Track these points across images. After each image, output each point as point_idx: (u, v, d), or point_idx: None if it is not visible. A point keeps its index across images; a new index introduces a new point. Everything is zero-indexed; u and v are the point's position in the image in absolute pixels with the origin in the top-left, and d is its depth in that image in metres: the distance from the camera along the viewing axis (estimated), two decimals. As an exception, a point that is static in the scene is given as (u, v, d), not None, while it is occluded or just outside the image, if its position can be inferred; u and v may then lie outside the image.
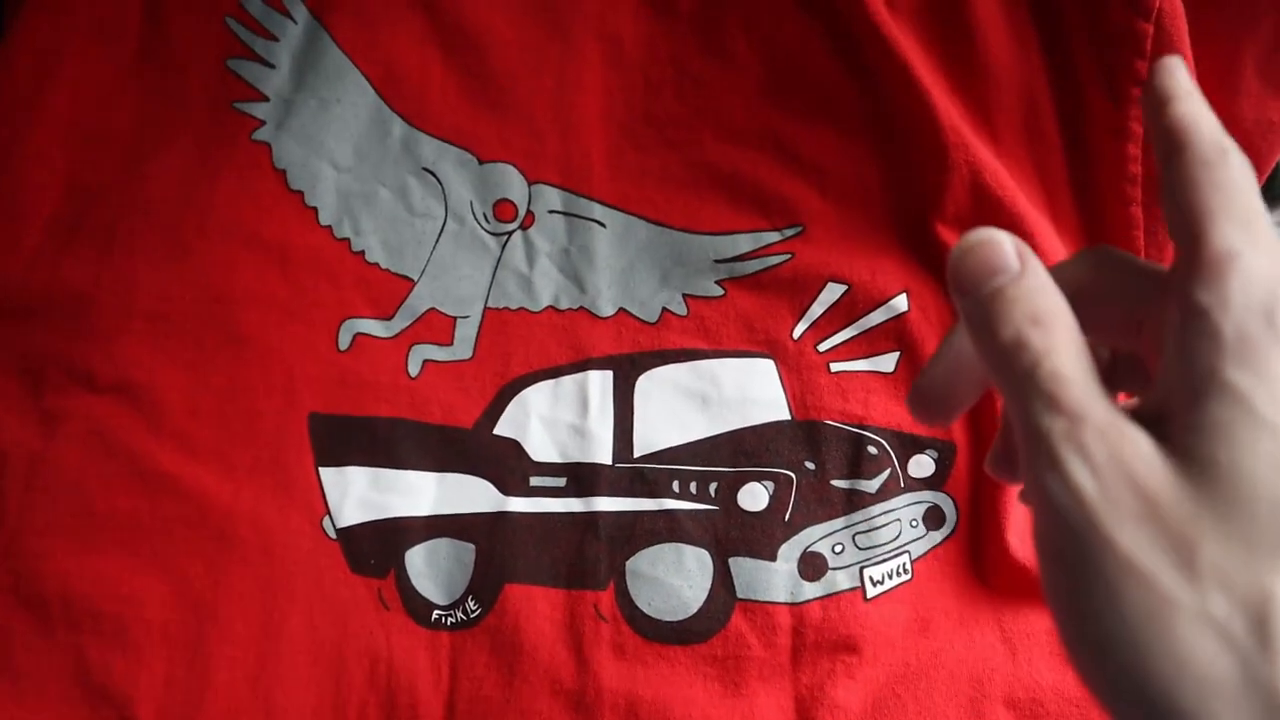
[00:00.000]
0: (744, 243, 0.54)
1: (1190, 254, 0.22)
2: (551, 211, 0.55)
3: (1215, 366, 0.21)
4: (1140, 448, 0.21)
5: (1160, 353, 0.23)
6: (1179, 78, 0.24)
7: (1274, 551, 0.20)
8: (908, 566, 0.50)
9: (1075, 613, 0.21)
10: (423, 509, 0.51)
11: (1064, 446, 0.21)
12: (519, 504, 0.51)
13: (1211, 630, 0.20)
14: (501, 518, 0.51)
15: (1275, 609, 0.20)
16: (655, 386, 0.53)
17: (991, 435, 0.51)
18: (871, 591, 0.49)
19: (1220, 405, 0.21)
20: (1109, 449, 0.21)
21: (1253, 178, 0.23)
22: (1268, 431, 0.20)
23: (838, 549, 0.50)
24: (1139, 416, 0.22)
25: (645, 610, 0.49)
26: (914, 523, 0.51)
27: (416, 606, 0.50)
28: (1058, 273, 0.25)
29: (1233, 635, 0.20)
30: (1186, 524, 0.20)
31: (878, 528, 0.50)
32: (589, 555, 0.50)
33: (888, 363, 0.52)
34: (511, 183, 0.55)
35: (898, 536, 0.50)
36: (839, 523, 0.50)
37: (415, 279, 0.54)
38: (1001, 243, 0.24)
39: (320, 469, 0.51)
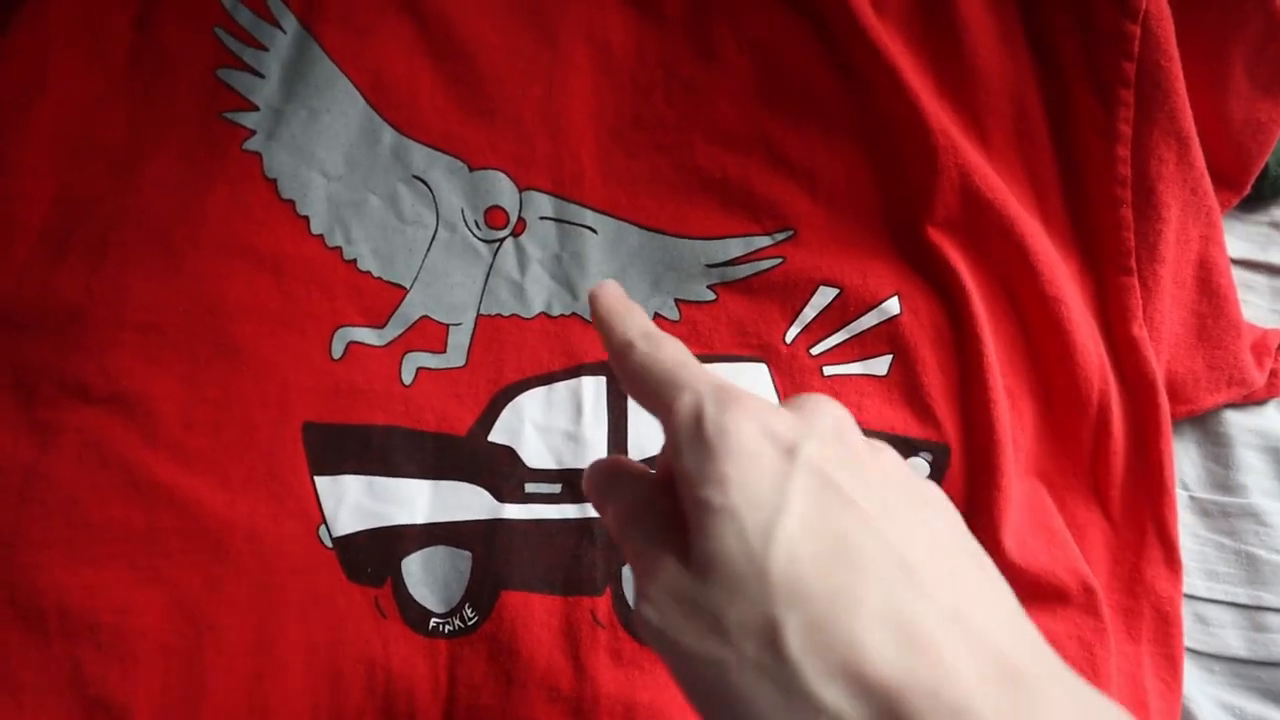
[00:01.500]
0: (735, 247, 0.54)
1: (664, 428, 0.30)
2: (543, 218, 0.55)
3: (689, 496, 0.28)
4: (670, 569, 0.28)
5: None
6: (609, 297, 0.34)
7: (759, 587, 0.25)
8: (902, 569, 0.50)
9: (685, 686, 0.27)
10: (418, 517, 0.51)
11: (637, 600, 0.29)
12: (514, 511, 0.51)
13: (751, 669, 0.25)
14: (497, 525, 0.51)
15: (778, 627, 0.25)
16: None
17: (984, 436, 0.51)
18: (866, 595, 0.49)
19: (698, 516, 0.27)
20: (657, 582, 0.28)
21: (665, 344, 0.31)
22: (725, 515, 0.27)
23: (832, 552, 0.50)
24: None
25: None
26: (908, 525, 0.51)
27: (414, 614, 0.50)
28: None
29: (763, 665, 0.25)
30: (711, 606, 0.26)
31: (872, 531, 0.50)
32: (585, 561, 0.50)
33: (880, 365, 0.52)
34: (502, 190, 0.55)
35: (892, 539, 0.50)
36: (833, 526, 0.50)
37: (407, 287, 0.54)
38: (609, 464, 0.34)
39: (315, 478, 0.51)
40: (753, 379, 0.53)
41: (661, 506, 0.30)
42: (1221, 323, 0.55)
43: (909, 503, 0.28)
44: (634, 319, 0.33)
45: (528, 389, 0.53)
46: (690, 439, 0.28)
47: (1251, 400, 0.57)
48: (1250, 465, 0.56)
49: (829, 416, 0.29)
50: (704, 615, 0.26)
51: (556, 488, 0.51)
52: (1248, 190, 0.58)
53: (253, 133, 0.55)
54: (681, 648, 0.26)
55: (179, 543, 0.49)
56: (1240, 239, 0.61)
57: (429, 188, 0.55)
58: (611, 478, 0.33)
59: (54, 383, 0.51)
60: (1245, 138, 0.55)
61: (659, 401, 0.30)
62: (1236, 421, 0.56)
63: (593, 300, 0.34)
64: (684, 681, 0.27)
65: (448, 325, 0.54)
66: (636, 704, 0.48)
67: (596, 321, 0.34)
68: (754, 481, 0.27)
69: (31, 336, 0.52)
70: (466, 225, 0.55)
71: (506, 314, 0.54)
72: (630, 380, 0.32)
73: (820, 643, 0.24)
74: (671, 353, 0.31)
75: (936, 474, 0.51)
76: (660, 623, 0.27)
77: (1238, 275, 0.57)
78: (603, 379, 0.53)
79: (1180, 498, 0.55)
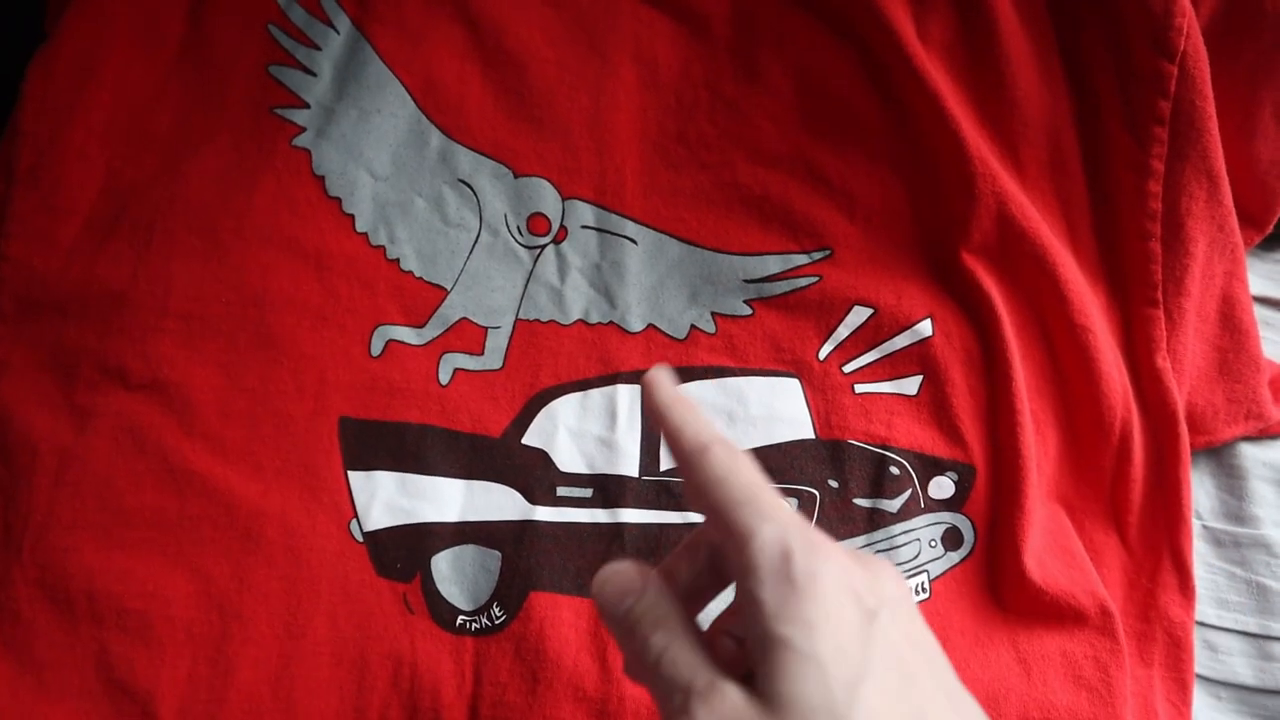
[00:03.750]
0: (773, 264, 0.55)
1: (724, 541, 0.30)
2: (584, 227, 0.56)
3: (765, 628, 0.28)
4: (733, 700, 0.27)
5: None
6: (665, 392, 0.33)
7: None
8: (926, 586, 0.51)
9: None
10: (450, 515, 0.52)
11: (679, 718, 0.28)
12: (545, 513, 0.52)
13: None
14: (528, 526, 0.51)
15: None
16: None
17: (1010, 459, 0.52)
18: (891, 609, 0.50)
19: (775, 653, 0.27)
20: (711, 710, 0.27)
21: (739, 457, 0.31)
22: (809, 660, 0.27)
23: (859, 566, 0.51)
24: (748, 669, 0.29)
25: None
26: (933, 543, 0.52)
27: (441, 611, 0.50)
28: (685, 549, 0.34)
29: None
30: None
31: (898, 547, 0.51)
32: (614, 566, 0.51)
33: (911, 385, 0.54)
34: (546, 197, 0.56)
35: (917, 556, 0.51)
36: (860, 540, 0.51)
37: (448, 288, 0.55)
38: (629, 572, 0.32)
39: (349, 473, 0.52)
40: (786, 394, 0.54)
41: (696, 630, 0.30)
42: (1242, 357, 0.56)
43: (944, 671, 0.30)
44: (704, 420, 0.32)
45: (563, 394, 0.54)
46: (775, 574, 0.28)
47: (1267, 434, 0.58)
48: (1263, 497, 0.57)
49: (894, 584, 0.30)
50: None
51: (588, 492, 0.52)
52: (1270, 229, 0.59)
53: (303, 129, 0.56)
54: None
55: (210, 531, 0.50)
56: (1260, 277, 0.62)
57: (474, 192, 0.56)
58: (628, 586, 0.32)
59: (94, 366, 0.51)
60: (1271, 178, 0.57)
61: (730, 518, 0.29)
62: (1251, 454, 0.58)
63: (652, 389, 0.33)
64: None
65: (486, 328, 0.54)
66: (662, 708, 0.48)
67: (660, 414, 0.33)
68: (840, 635, 0.27)
69: (74, 320, 0.52)
70: (509, 230, 0.56)
71: (545, 319, 0.55)
72: (701, 487, 0.31)
73: None
74: (751, 472, 0.31)
75: (962, 494, 0.52)
76: None
77: (1257, 312, 0.59)
78: (637, 387, 0.54)
79: (1194, 527, 0.57)
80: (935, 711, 0.28)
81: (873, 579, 0.29)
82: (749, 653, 0.28)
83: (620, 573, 0.32)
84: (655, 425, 0.34)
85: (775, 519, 0.29)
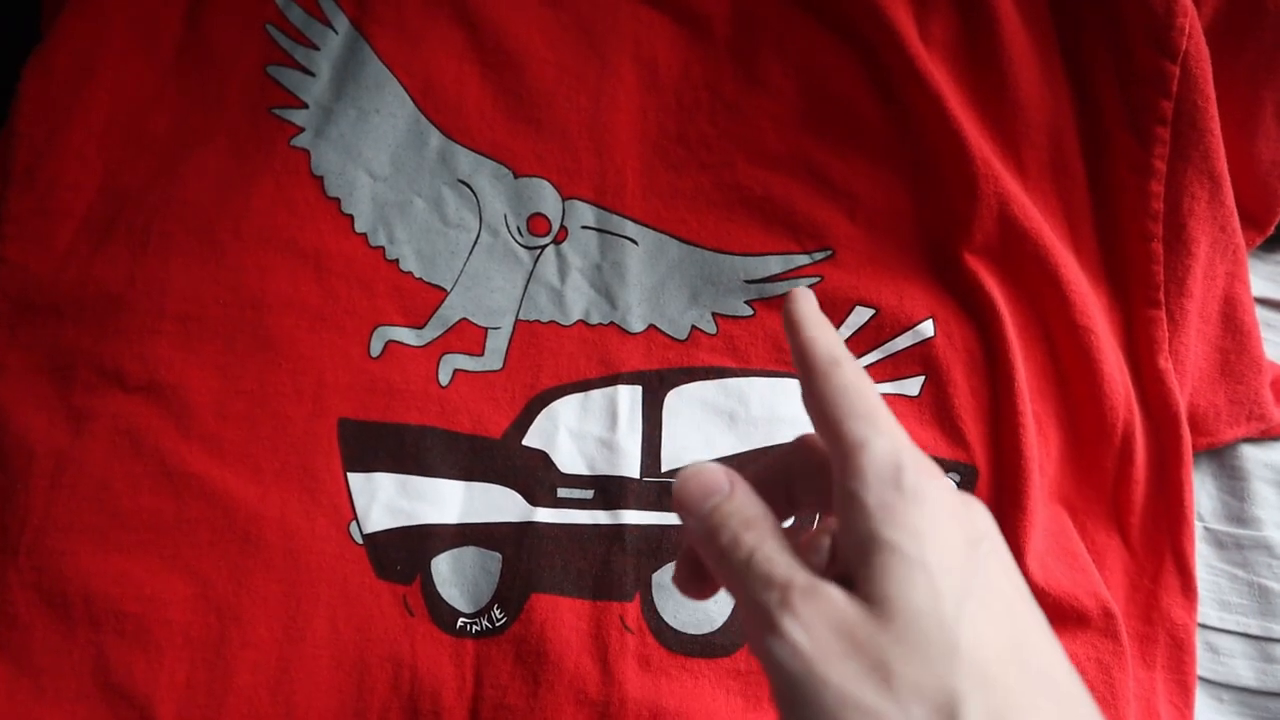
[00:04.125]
0: (774, 264, 0.55)
1: (834, 449, 0.30)
2: (584, 227, 0.56)
3: (871, 530, 0.28)
4: (836, 599, 0.27)
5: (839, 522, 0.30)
6: (805, 307, 0.34)
7: (946, 656, 0.26)
8: (928, 587, 0.51)
9: None
10: (450, 517, 0.51)
11: (779, 612, 0.27)
12: (546, 515, 0.51)
13: None
14: (528, 528, 0.51)
15: (959, 703, 0.25)
16: (684, 403, 0.53)
17: (1012, 460, 0.52)
18: (894, 611, 0.50)
19: (880, 556, 0.27)
20: (814, 605, 0.27)
21: (865, 377, 0.32)
22: (917, 566, 0.27)
23: (861, 568, 0.50)
24: (834, 576, 0.28)
25: (670, 623, 0.50)
26: (935, 544, 0.51)
27: (441, 614, 0.50)
28: (760, 471, 0.34)
29: None
30: (880, 652, 0.26)
31: (900, 548, 0.51)
32: (615, 567, 0.50)
33: (913, 386, 0.53)
34: (546, 198, 0.56)
35: (919, 557, 0.51)
36: (862, 542, 0.51)
37: (448, 289, 0.54)
38: (715, 471, 0.32)
39: (348, 474, 0.51)
40: (787, 394, 0.53)
41: (785, 536, 0.30)
42: (1244, 358, 0.56)
43: (1038, 611, 0.30)
44: (837, 336, 0.33)
45: (563, 395, 0.53)
46: (884, 480, 0.28)
47: (1269, 436, 0.58)
48: (1265, 499, 0.57)
49: (990, 522, 0.31)
50: (869, 658, 0.26)
51: (589, 493, 0.52)
52: (1271, 230, 0.59)
53: (301, 129, 0.55)
54: (829, 683, 0.26)
55: (208, 534, 0.49)
56: (1261, 278, 0.62)
57: (473, 192, 0.56)
58: (713, 485, 0.32)
59: (91, 369, 0.51)
60: (1272, 179, 0.57)
61: (845, 428, 0.30)
62: (1253, 456, 0.58)
63: (794, 301, 0.34)
64: (806, 713, 0.26)
65: (486, 329, 0.54)
66: (663, 710, 0.48)
67: (796, 326, 0.33)
68: (946, 550, 0.27)
69: (71, 322, 0.52)
70: (509, 231, 0.56)
71: (545, 320, 0.55)
72: (824, 397, 0.31)
73: None
74: (874, 389, 0.31)
75: (964, 495, 0.52)
76: (811, 649, 0.26)
77: (1259, 314, 0.59)
78: (638, 388, 0.54)
79: (1195, 529, 0.56)
80: (1035, 641, 0.28)
81: (970, 513, 0.30)
82: (845, 556, 0.29)
83: (705, 471, 0.32)
84: (789, 335, 0.34)
85: (891, 434, 0.30)
